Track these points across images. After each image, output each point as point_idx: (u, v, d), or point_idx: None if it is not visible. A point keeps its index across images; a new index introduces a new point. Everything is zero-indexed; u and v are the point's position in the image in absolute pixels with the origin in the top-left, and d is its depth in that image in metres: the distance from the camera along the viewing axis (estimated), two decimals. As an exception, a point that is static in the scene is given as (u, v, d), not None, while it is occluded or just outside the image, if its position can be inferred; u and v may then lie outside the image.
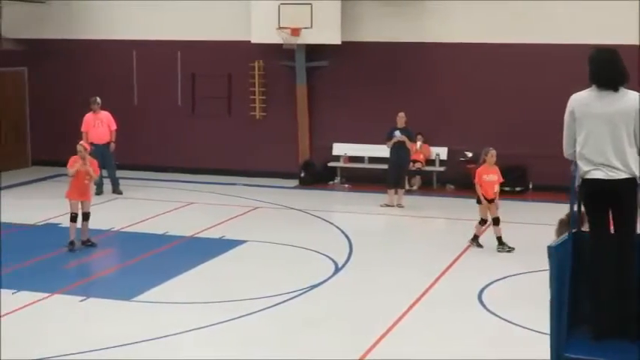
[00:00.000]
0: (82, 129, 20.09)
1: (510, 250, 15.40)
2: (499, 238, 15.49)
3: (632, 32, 19.00)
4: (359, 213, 18.89)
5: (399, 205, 18.97)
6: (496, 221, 15.45)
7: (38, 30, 23.57)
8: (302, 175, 21.78)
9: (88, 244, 15.45)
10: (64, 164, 21.37)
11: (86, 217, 15.37)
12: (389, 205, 18.96)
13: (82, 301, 12.64)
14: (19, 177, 22.42)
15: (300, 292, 13.03)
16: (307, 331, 11.51)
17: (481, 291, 13.07)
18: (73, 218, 15.23)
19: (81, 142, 15.94)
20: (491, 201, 15.45)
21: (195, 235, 16.50)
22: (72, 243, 15.23)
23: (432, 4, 20.92)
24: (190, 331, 11.38)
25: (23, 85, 23.87)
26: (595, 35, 17.98)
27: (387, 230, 17.78)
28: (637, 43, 18.70)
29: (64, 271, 14.39)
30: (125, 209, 18.86)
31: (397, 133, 18.84)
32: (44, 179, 22.09)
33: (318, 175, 21.83)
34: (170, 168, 22.90)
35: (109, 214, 18.09)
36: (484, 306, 12.44)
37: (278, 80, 22.13)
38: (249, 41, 21.43)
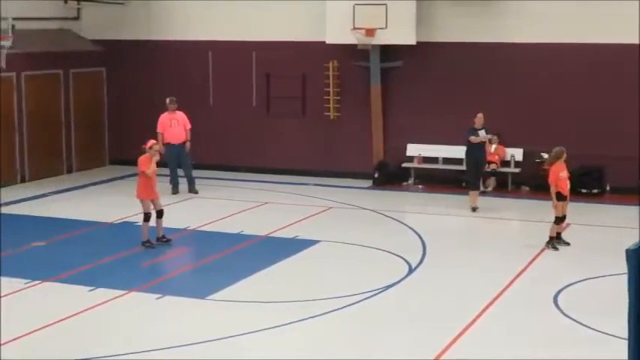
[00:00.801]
0: (158, 129, 20.29)
1: (567, 244, 15.52)
2: (559, 234, 15.58)
3: None
4: (433, 214, 18.81)
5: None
6: (563, 219, 15.46)
7: (117, 31, 23.90)
8: (376, 175, 21.73)
9: (163, 240, 15.64)
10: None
11: (161, 214, 15.55)
12: (476, 208, 18.72)
13: (158, 298, 12.80)
14: (97, 176, 22.77)
15: (374, 292, 13.01)
16: (381, 331, 11.49)
17: (557, 293, 12.92)
18: (147, 218, 15.41)
19: (154, 142, 16.01)
20: (565, 198, 15.38)
21: (269, 235, 16.58)
22: (148, 241, 15.43)
23: (507, 3, 20.71)
24: (262, 330, 11.42)
25: (102, 85, 24.25)
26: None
27: (461, 231, 17.64)
28: None
29: (141, 269, 14.60)
30: (200, 208, 19.03)
31: (483, 132, 18.53)
32: (121, 178, 22.38)
33: (391, 175, 21.76)
34: (244, 168, 23.04)
35: (185, 213, 18.27)
36: (559, 308, 12.29)
37: (352, 80, 22.12)
38: (324, 42, 21.46)
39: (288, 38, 22.41)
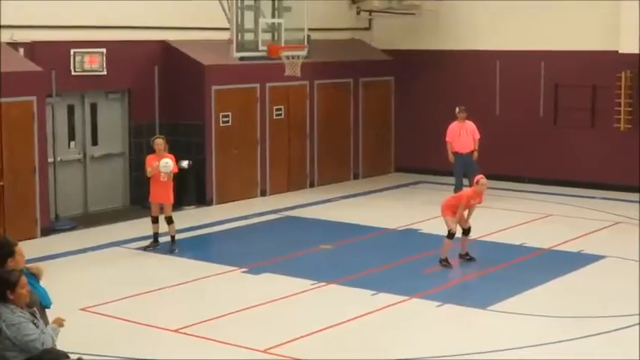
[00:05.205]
0: (447, 139, 20.42)
1: None
2: None
3: None
4: None
5: None
6: None
7: (406, 41, 24.33)
8: (669, 190, 20.80)
9: (466, 257, 15.45)
10: (426, 172, 22.14)
11: (468, 232, 15.32)
12: None
13: (438, 306, 12.94)
14: (382, 183, 23.23)
15: (658, 314, 12.48)
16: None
17: None
18: (451, 236, 15.00)
19: (482, 176, 15.35)
20: None
21: (552, 248, 16.31)
22: (446, 260, 15.08)
23: None
24: (541, 345, 11.26)
25: (390, 94, 24.74)
26: None
27: None
28: None
29: (423, 275, 14.75)
30: (483, 219, 18.93)
31: None
32: (405, 185, 22.76)
33: (686, 191, 20.74)
34: (529, 179, 22.76)
35: (467, 223, 18.32)
36: None
37: (645, 91, 21.36)
38: (617, 51, 20.82)
39: (578, 48, 21.92)
